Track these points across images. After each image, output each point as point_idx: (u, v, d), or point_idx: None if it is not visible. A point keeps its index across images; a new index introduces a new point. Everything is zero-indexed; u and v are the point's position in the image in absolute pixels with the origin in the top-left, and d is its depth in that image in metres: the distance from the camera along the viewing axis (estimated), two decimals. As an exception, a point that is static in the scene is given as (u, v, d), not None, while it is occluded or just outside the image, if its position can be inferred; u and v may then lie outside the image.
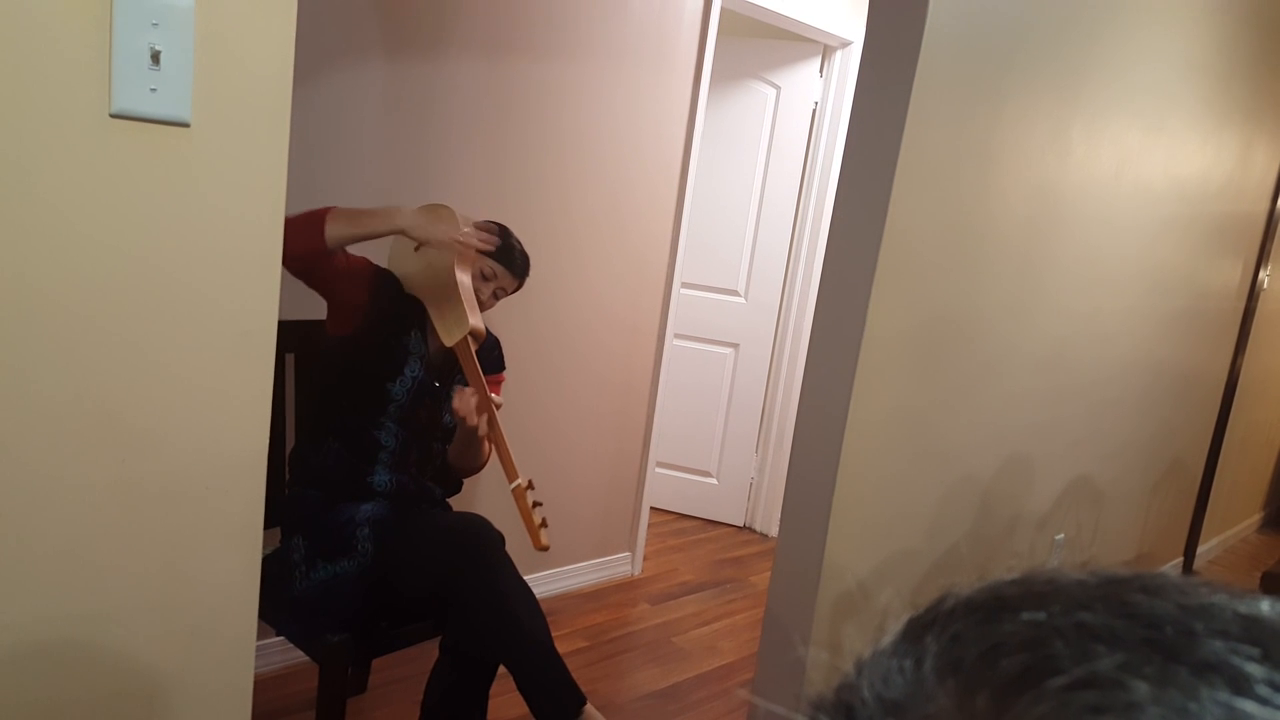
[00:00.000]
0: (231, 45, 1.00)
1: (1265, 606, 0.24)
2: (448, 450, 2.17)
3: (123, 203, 0.96)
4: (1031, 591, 0.26)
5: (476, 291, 2.04)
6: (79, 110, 0.92)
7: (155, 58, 0.94)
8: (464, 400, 1.95)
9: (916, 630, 0.27)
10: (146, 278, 1.00)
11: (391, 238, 2.05)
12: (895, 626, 0.28)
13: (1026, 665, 0.23)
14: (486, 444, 2.11)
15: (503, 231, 2.11)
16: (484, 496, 2.84)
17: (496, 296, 2.12)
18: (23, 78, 0.88)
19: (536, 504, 1.98)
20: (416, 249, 2.02)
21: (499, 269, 2.08)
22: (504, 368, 2.26)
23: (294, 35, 1.05)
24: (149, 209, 0.98)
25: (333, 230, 1.83)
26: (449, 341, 1.97)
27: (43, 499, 0.98)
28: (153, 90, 0.95)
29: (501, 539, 1.96)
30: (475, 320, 1.97)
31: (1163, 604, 0.24)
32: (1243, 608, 0.24)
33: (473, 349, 1.97)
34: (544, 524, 1.98)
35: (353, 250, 1.95)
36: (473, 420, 1.94)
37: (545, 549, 1.98)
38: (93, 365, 0.98)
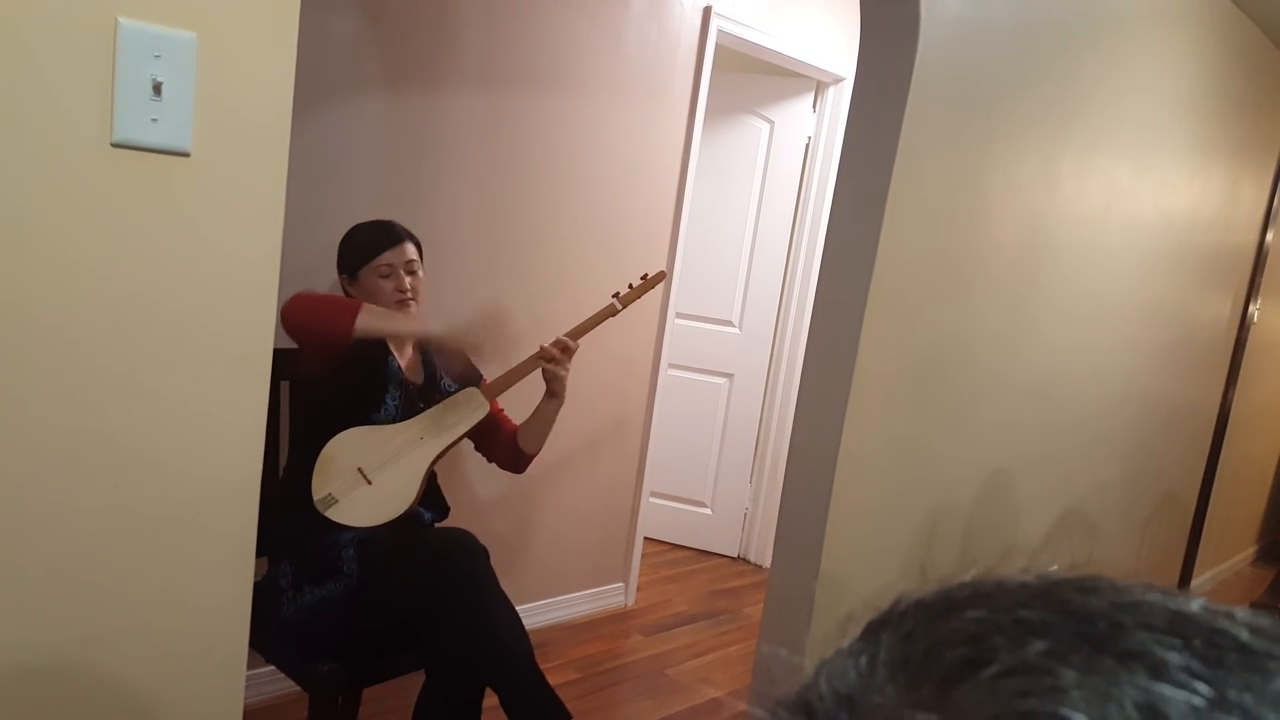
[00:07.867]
0: (232, 77, 1.02)
1: (1196, 605, 0.25)
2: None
3: (122, 230, 0.98)
4: (978, 592, 0.28)
5: (412, 290, 2.04)
6: (81, 139, 0.94)
7: (157, 89, 0.96)
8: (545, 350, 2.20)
9: (873, 630, 0.28)
10: (144, 304, 1.01)
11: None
12: (856, 630, 0.29)
13: (967, 657, 0.24)
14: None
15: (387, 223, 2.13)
16: (470, 517, 2.83)
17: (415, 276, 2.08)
18: (26, 107, 0.90)
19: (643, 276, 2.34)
20: None
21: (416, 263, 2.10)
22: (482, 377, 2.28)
23: (294, 67, 1.07)
24: (148, 236, 1.00)
25: (364, 322, 1.86)
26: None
27: (36, 522, 0.98)
28: (154, 120, 0.97)
29: (486, 553, 1.96)
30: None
31: (1097, 601, 0.25)
32: (1173, 605, 0.25)
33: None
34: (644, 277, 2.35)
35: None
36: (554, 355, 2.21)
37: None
38: (89, 389, 0.99)
